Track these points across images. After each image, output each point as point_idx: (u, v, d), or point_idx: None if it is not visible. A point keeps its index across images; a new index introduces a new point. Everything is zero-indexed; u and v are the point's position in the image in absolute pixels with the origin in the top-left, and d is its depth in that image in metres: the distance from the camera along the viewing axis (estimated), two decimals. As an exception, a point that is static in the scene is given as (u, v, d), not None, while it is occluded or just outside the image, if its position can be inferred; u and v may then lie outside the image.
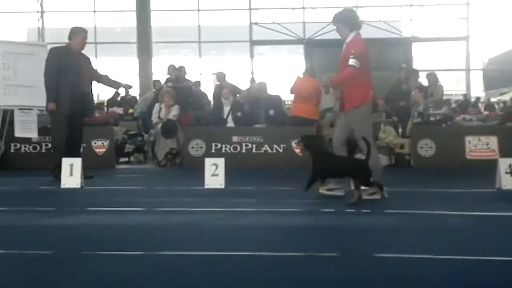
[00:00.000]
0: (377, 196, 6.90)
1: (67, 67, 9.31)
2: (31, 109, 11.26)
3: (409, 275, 3.67)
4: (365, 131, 7.03)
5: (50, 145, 11.87)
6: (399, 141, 11.87)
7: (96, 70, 10.02)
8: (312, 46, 22.28)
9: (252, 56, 22.75)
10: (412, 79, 13.38)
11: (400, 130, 12.35)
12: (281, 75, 21.95)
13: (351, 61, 7.01)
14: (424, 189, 8.41)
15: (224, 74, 14.95)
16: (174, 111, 12.26)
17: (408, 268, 3.84)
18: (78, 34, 9.55)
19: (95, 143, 11.93)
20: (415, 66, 20.08)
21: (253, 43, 22.71)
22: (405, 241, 4.75)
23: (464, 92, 22.48)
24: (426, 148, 11.46)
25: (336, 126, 7.29)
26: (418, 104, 12.08)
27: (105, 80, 10.02)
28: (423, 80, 13.70)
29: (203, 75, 20.92)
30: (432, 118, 11.84)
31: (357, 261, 4.03)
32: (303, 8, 22.42)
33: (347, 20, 7.29)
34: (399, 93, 12.76)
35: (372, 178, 6.63)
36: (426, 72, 14.03)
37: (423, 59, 22.51)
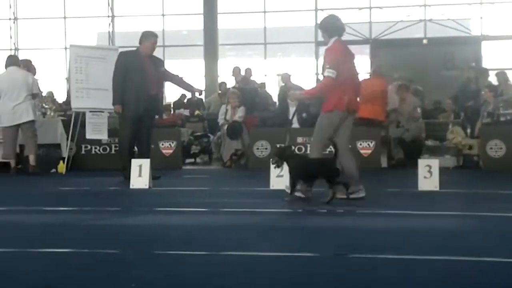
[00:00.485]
0: (359, 195, 7.04)
1: (133, 70, 9.48)
2: (102, 112, 11.56)
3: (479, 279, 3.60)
4: (324, 134, 7.16)
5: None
6: (468, 141, 11.62)
7: (167, 71, 10.08)
8: (379, 46, 22.03)
9: (317, 57, 22.65)
10: (481, 78, 13.08)
11: (468, 130, 12.09)
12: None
13: (327, 72, 7.04)
14: (493, 190, 8.21)
15: (290, 75, 14.97)
16: (240, 113, 12.36)
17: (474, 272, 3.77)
18: (148, 38, 9.67)
19: (162, 144, 12.15)
20: (485, 65, 19.60)
21: (319, 44, 22.56)
22: (471, 243, 4.66)
23: (536, 91, 21.80)
24: (496, 149, 11.18)
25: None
26: (488, 103, 11.80)
27: (177, 80, 10.11)
28: (493, 79, 13.37)
29: (268, 76, 20.97)
30: (502, 118, 11.55)
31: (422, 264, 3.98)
32: (370, 7, 22.19)
33: (326, 26, 7.35)
34: (468, 93, 12.50)
35: (339, 178, 6.81)
36: (496, 71, 13.69)
37: (493, 58, 21.92)
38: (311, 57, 22.78)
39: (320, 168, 6.91)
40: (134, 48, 9.93)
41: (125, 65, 9.53)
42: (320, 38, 20.18)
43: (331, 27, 7.34)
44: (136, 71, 9.46)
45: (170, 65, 23.78)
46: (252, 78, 15.24)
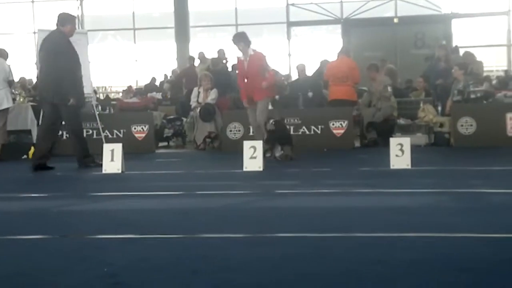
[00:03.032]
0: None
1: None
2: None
3: (453, 254, 3.63)
4: (265, 116, 9.71)
5: (91, 131, 12.04)
6: (439, 119, 11.71)
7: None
8: (350, 26, 22.06)
9: (289, 38, 22.63)
10: (452, 56, 13.16)
11: (439, 108, 12.18)
12: (319, 56, 21.81)
13: (271, 69, 9.97)
14: (464, 167, 8.30)
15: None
16: (212, 95, 12.29)
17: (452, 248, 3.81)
18: (73, 21, 9.32)
19: (134, 128, 12.05)
20: (456, 43, 19.73)
21: (290, 24, 22.57)
22: (444, 220, 4.70)
23: (505, 68, 22.01)
24: (467, 126, 11.28)
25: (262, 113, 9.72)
26: (458, 81, 11.87)
27: None
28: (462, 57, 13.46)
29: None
30: (472, 96, 11.64)
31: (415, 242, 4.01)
32: (340, -13, 22.18)
33: (244, 38, 9.83)
34: (437, 71, 12.57)
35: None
36: (465, 50, 13.79)
37: (463, 36, 22.07)
38: (283, 37, 22.74)
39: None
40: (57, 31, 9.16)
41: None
42: (292, 19, 20.01)
43: (247, 39, 9.79)
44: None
45: (142, 48, 23.68)
46: (225, 59, 15.17)
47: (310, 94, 12.82)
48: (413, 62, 19.10)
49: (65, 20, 9.12)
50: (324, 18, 22.13)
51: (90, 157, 9.16)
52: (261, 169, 8.20)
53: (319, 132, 11.70)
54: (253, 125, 10.20)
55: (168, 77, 18.51)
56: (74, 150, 9.25)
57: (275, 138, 9.58)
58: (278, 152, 9.47)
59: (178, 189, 6.80)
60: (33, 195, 6.73)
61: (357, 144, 12.00)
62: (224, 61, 15.13)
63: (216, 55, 15.25)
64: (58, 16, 9.18)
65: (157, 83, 18.92)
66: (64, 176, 8.61)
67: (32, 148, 11.08)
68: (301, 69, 13.42)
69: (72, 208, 5.86)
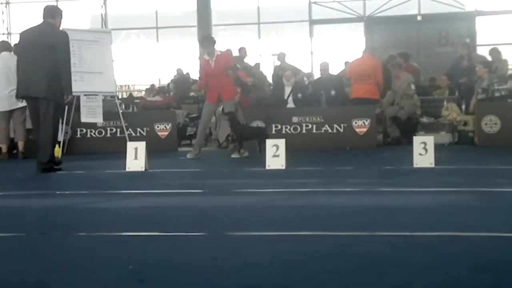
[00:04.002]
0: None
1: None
2: (96, 95, 11.54)
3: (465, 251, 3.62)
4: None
5: (114, 130, 12.16)
6: (463, 118, 11.64)
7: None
8: (373, 24, 21.95)
9: (311, 36, 22.58)
10: (475, 54, 13.06)
11: (463, 106, 12.11)
12: (341, 54, 21.74)
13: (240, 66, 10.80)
14: (488, 166, 8.24)
15: (285, 55, 14.92)
16: (235, 94, 12.31)
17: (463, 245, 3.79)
18: (61, 14, 8.71)
19: (157, 126, 12.16)
20: (480, 41, 19.58)
21: (313, 22, 22.51)
22: (467, 219, 4.68)
23: (531, 66, 21.79)
24: (491, 124, 11.19)
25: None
26: (482, 80, 11.79)
27: None
28: (486, 55, 13.35)
29: (262, 56, 20.89)
30: (496, 94, 11.55)
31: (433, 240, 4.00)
32: (363, -15, 22.06)
33: (214, 41, 10.31)
34: (461, 69, 12.49)
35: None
36: (490, 47, 13.67)
37: (487, 34, 21.86)
38: (305, 35, 22.69)
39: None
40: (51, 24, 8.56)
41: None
42: (314, 17, 20.00)
43: (214, 40, 10.32)
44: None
45: (164, 47, 23.78)
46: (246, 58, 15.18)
47: (332, 92, 12.82)
48: (437, 60, 18.99)
49: (56, 12, 8.60)
50: (346, 16, 22.04)
51: (53, 162, 8.57)
52: (283, 167, 8.22)
53: (341, 130, 11.70)
54: (206, 125, 10.67)
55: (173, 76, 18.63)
56: (43, 151, 8.40)
57: (244, 136, 10.22)
58: (259, 151, 9.90)
59: (201, 187, 6.83)
60: (57, 192, 6.81)
61: (380, 142, 11.97)
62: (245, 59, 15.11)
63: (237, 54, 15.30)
64: (47, 9, 8.62)
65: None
66: (88, 174, 8.70)
67: (57, 146, 11.21)
68: (323, 68, 13.41)
69: (97, 206, 5.92)
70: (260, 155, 9.23)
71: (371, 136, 11.67)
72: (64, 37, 8.44)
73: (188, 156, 10.24)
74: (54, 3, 22.76)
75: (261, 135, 10.13)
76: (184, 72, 18.45)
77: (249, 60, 15.23)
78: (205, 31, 22.40)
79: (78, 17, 23.19)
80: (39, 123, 8.41)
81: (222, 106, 12.18)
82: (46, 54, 8.26)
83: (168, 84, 18.61)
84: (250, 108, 12.67)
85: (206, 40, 10.43)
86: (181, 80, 17.75)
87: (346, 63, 14.04)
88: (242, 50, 15.25)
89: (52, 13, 8.56)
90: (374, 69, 12.01)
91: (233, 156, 10.23)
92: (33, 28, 8.65)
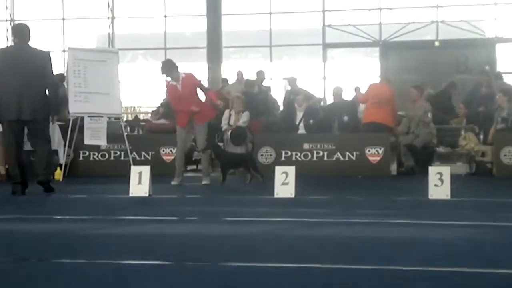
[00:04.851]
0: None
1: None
2: (101, 116, 11.61)
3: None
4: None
5: (118, 153, 12.20)
6: (481, 148, 11.60)
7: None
8: (389, 49, 22.00)
9: (324, 60, 22.66)
10: (495, 82, 13.07)
11: (481, 136, 12.07)
12: (355, 79, 21.78)
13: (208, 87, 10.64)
14: (506, 199, 8.19)
15: (296, 79, 14.98)
16: (244, 118, 12.36)
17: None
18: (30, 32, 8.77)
19: (163, 150, 12.20)
20: (500, 68, 19.56)
21: (326, 46, 22.60)
22: (484, 254, 4.65)
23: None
24: (510, 155, 11.16)
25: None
26: (502, 108, 11.77)
27: None
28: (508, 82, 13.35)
29: (273, 80, 20.96)
30: (517, 124, 11.53)
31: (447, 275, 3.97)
32: (380, 9, 22.18)
33: (175, 65, 10.34)
34: (479, 97, 12.48)
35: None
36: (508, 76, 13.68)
37: (508, 61, 21.86)
38: (318, 59, 22.77)
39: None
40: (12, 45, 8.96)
41: None
42: (328, 40, 20.03)
43: (175, 65, 10.34)
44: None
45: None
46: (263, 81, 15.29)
47: (345, 118, 12.84)
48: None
49: (28, 32, 8.68)
50: (361, 40, 22.12)
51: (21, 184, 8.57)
52: (293, 195, 8.20)
53: (354, 158, 11.70)
54: (181, 149, 10.55)
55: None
56: (45, 169, 8.65)
57: (228, 164, 10.41)
58: (248, 180, 10.27)
59: (207, 214, 6.83)
60: (57, 217, 6.82)
61: (394, 172, 11.94)
62: (264, 83, 15.21)
63: (249, 76, 15.37)
64: (20, 30, 8.70)
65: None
66: (89, 199, 8.71)
67: (58, 169, 11.26)
68: (336, 93, 13.45)
69: (98, 232, 5.92)
70: (268, 182, 9.20)
71: (385, 165, 11.65)
72: (49, 58, 8.71)
73: (172, 183, 10.30)
74: (61, 23, 23.04)
75: (247, 162, 10.34)
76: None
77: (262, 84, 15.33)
78: (215, 53, 22.54)
79: (84, 36, 23.43)
80: (21, 146, 8.68)
81: (229, 131, 12.26)
82: (34, 76, 8.42)
83: (158, 108, 18.73)
84: (260, 133, 12.70)
85: (167, 66, 10.33)
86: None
87: (356, 88, 14.07)
88: (261, 74, 15.33)
89: (27, 35, 8.66)
90: (390, 98, 12.08)
91: (204, 182, 10.29)
92: (12, 49, 8.84)
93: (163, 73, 10.31)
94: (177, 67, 10.36)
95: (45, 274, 4.07)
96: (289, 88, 15.24)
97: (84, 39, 23.20)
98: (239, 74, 16.08)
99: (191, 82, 10.40)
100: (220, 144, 12.94)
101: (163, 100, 18.24)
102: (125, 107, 21.16)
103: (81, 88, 11.52)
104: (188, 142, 12.89)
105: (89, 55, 11.88)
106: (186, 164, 12.73)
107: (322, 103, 16.22)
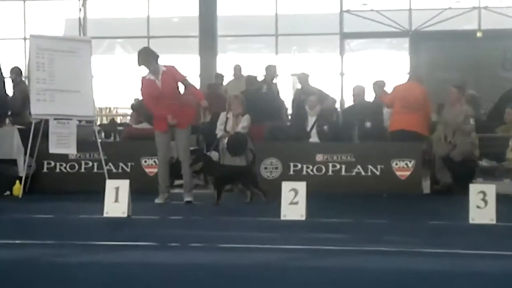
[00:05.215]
0: None
1: None
2: (70, 119, 11.59)
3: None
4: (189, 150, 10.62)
5: (90, 164, 12.19)
6: (532, 162, 11.61)
7: None
8: (420, 40, 22.00)
9: (342, 53, 22.67)
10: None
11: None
12: (379, 76, 21.78)
13: (192, 82, 10.87)
14: None
15: (308, 76, 14.98)
16: (244, 122, 12.34)
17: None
18: None
19: (145, 161, 12.18)
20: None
21: (344, 36, 22.61)
22: None
23: None
24: None
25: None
26: (557, 114, 11.79)
27: None
28: None
29: (280, 77, 20.96)
30: None
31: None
32: (409, -8, 22.22)
33: (155, 54, 10.29)
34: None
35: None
36: None
37: None
38: (334, 52, 22.79)
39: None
40: None
41: None
42: (347, 29, 20.04)
43: (155, 54, 10.27)
44: None
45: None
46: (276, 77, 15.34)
47: (368, 124, 12.82)
48: (501, 87, 18.96)
49: None
50: (387, 29, 22.13)
51: None
52: (303, 218, 8.20)
53: (378, 173, 11.69)
54: (164, 160, 10.59)
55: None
56: None
57: (223, 180, 10.36)
58: (248, 198, 10.27)
59: (198, 240, 6.80)
60: (18, 242, 6.80)
61: (427, 190, 11.92)
62: (274, 81, 15.22)
63: (250, 72, 15.39)
64: None
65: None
66: (55, 220, 8.70)
67: (17, 182, 11.25)
68: (357, 93, 13.43)
69: (66, 260, 5.90)
70: (273, 201, 9.18)
71: (415, 181, 11.63)
72: None
73: (156, 201, 10.33)
74: (21, 4, 23.07)
75: (246, 176, 10.29)
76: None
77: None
78: (209, 43, 22.54)
79: (50, 22, 23.44)
80: None
81: (226, 139, 12.27)
82: None
83: (132, 106, 18.78)
84: (263, 141, 12.68)
85: (145, 56, 10.30)
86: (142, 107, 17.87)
87: (376, 84, 13.93)
88: (271, 69, 15.29)
89: None
90: (423, 101, 12.07)
91: (186, 199, 10.42)
92: None
93: (139, 65, 10.27)
94: (157, 58, 10.30)
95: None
96: (299, 86, 15.24)
97: (50, 25, 23.22)
98: (237, 69, 16.12)
99: (173, 77, 10.37)
100: (215, 153, 12.96)
101: (135, 100, 18.32)
102: (99, 108, 21.17)
103: (45, 84, 11.51)
104: (172, 151, 12.89)
105: (55, 45, 11.88)
106: (172, 178, 12.73)
107: (339, 105, 16.20)
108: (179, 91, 10.50)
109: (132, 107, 18.05)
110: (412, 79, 12.81)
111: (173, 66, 10.57)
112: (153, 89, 10.26)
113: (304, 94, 14.14)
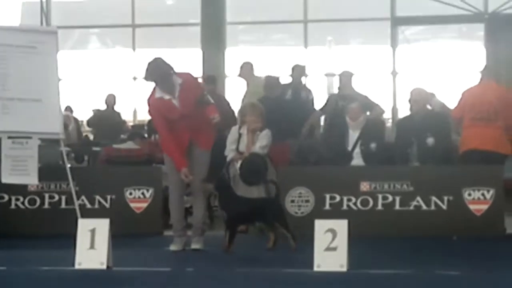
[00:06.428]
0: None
1: None
2: (29, 138, 11.60)
3: None
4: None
5: (57, 197, 12.21)
6: None
7: None
8: (499, 26, 21.96)
9: (394, 44, 22.70)
10: None
11: None
12: (444, 75, 21.75)
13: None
14: None
15: (351, 75, 15.00)
16: (263, 140, 12.31)
17: None
18: None
19: (130, 193, 12.19)
20: None
21: (398, 21, 22.64)
22: None
23: None
24: None
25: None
26: None
27: None
28: None
29: (310, 77, 20.99)
30: None
31: None
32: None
33: (170, 67, 10.38)
34: None
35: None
36: None
37: None
38: (383, 43, 22.81)
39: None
40: None
41: None
42: (400, 13, 20.18)
43: (170, 66, 10.38)
44: None
45: (144, 57, 24.00)
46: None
47: (430, 140, 12.75)
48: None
49: None
50: (454, 13, 22.16)
51: None
52: (344, 269, 8.17)
53: (444, 207, 11.66)
54: (177, 190, 10.63)
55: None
56: None
57: (239, 218, 10.44)
58: (271, 242, 10.30)
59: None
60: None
61: (511, 229, 11.89)
62: (303, 82, 15.25)
63: (268, 72, 15.41)
64: None
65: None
66: (10, 273, 8.70)
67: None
68: (416, 98, 13.35)
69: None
70: (303, 246, 9.16)
71: (496, 217, 11.57)
72: None
73: (172, 248, 10.36)
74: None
75: (268, 212, 10.29)
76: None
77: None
78: (214, 33, 22.59)
79: (2, 6, 23.60)
80: None
81: (239, 162, 12.26)
82: None
83: (88, 122, 18.96)
84: (289, 166, 12.67)
85: (158, 72, 10.37)
86: (107, 116, 18.10)
87: (342, 74, 13.99)
88: (299, 70, 15.30)
89: None
90: (506, 104, 11.98)
91: (194, 247, 10.45)
92: None
93: (148, 80, 10.41)
94: (172, 72, 10.35)
95: None
96: (336, 91, 15.24)
97: (2, 11, 23.38)
98: (246, 68, 15.89)
99: (193, 92, 10.47)
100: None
101: (94, 111, 18.45)
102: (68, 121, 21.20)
103: (-5, 90, 11.55)
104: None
105: (10, 37, 11.88)
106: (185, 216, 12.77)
107: (390, 115, 16.18)
108: (199, 109, 10.43)
109: (89, 123, 18.27)
110: (485, 78, 12.68)
111: (189, 74, 10.71)
112: (170, 112, 10.27)
113: (342, 100, 14.12)
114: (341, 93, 14.67)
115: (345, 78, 14.92)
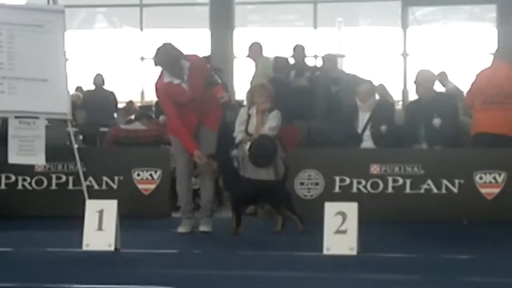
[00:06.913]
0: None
1: None
2: (37, 118, 11.60)
3: None
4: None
5: (64, 178, 12.21)
6: None
7: None
8: (511, 7, 21.92)
9: (405, 26, 22.65)
10: None
11: None
12: (455, 57, 21.72)
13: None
14: None
15: (335, 57, 15.01)
16: (273, 121, 12.32)
17: None
18: None
19: (138, 174, 12.17)
20: None
21: (408, 2, 22.61)
22: None
23: None
24: None
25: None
26: None
27: None
28: None
29: (319, 58, 20.96)
30: None
31: None
32: None
33: (179, 51, 10.40)
34: None
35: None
36: None
37: None
38: (394, 24, 22.78)
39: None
40: None
41: None
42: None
43: (179, 53, 10.39)
44: None
45: (151, 37, 23.99)
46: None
47: (436, 121, 12.65)
48: None
49: None
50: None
51: None
52: (354, 252, 8.18)
53: (455, 190, 11.63)
54: (185, 172, 10.62)
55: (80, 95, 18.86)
56: None
57: (246, 199, 10.45)
58: (279, 225, 10.24)
59: (210, 282, 6.80)
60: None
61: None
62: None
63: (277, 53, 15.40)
64: None
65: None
66: (16, 254, 8.73)
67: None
68: (419, 81, 13.29)
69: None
70: (312, 229, 9.16)
71: (507, 201, 11.54)
72: None
73: (180, 230, 10.37)
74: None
75: (276, 195, 10.25)
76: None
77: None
78: (222, 13, 22.56)
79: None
80: None
81: (248, 144, 12.25)
82: None
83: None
84: (298, 148, 12.65)
85: (168, 58, 10.35)
86: (98, 95, 18.08)
87: (325, 57, 13.97)
88: (299, 49, 15.30)
89: None
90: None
91: (202, 229, 10.40)
92: None
93: (157, 65, 10.35)
94: (182, 56, 10.34)
95: None
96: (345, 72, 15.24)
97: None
98: (254, 48, 15.86)
99: (202, 74, 10.46)
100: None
101: (84, 92, 18.47)
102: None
103: (2, 70, 11.53)
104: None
105: (16, 16, 11.88)
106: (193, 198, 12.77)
107: (400, 97, 16.15)
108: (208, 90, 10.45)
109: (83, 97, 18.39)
110: (497, 60, 12.60)
111: (196, 56, 10.74)
112: (179, 96, 10.26)
113: (334, 85, 14.14)
114: (350, 75, 14.69)
115: (329, 61, 14.95)
